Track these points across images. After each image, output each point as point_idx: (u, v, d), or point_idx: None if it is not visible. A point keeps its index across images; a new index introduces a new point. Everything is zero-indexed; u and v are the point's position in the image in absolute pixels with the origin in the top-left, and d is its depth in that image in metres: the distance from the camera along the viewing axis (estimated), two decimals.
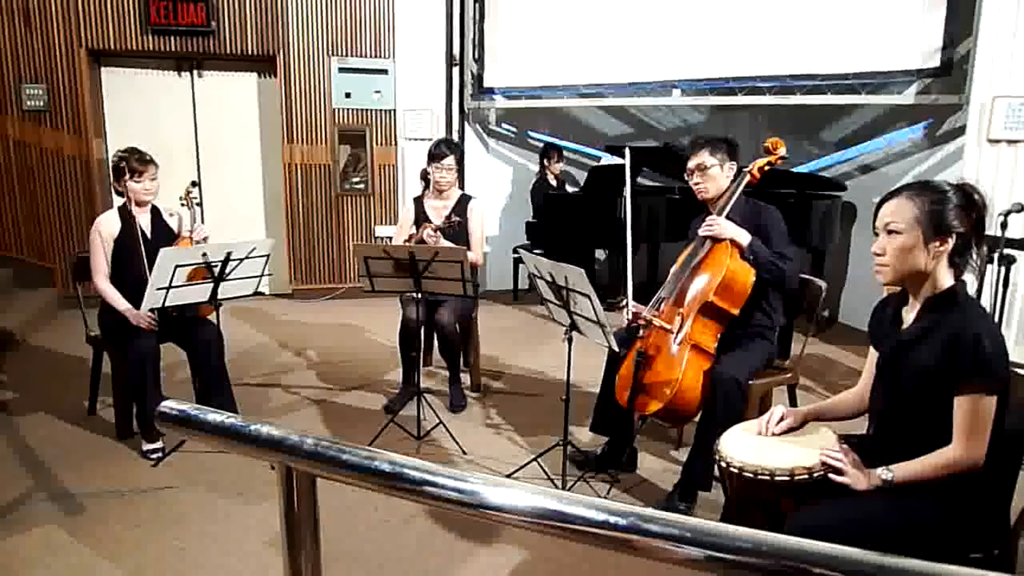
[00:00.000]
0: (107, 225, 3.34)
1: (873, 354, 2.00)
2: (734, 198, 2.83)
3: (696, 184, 2.90)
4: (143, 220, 3.40)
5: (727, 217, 2.80)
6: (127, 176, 3.29)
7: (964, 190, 1.73)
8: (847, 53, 4.82)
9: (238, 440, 1.13)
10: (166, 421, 1.18)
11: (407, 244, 3.69)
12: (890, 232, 1.74)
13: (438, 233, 3.67)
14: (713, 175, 2.85)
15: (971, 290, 1.82)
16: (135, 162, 3.30)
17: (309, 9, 6.02)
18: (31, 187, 5.90)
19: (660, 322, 2.76)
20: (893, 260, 1.75)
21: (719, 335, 2.77)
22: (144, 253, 3.27)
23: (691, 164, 2.89)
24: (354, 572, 2.43)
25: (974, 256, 1.75)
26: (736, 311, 2.74)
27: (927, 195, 1.71)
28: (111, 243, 3.33)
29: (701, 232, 2.82)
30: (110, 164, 3.43)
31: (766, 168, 2.88)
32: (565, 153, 6.73)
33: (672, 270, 2.94)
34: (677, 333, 2.72)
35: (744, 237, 2.75)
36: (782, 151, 2.90)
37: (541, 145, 6.74)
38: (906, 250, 1.72)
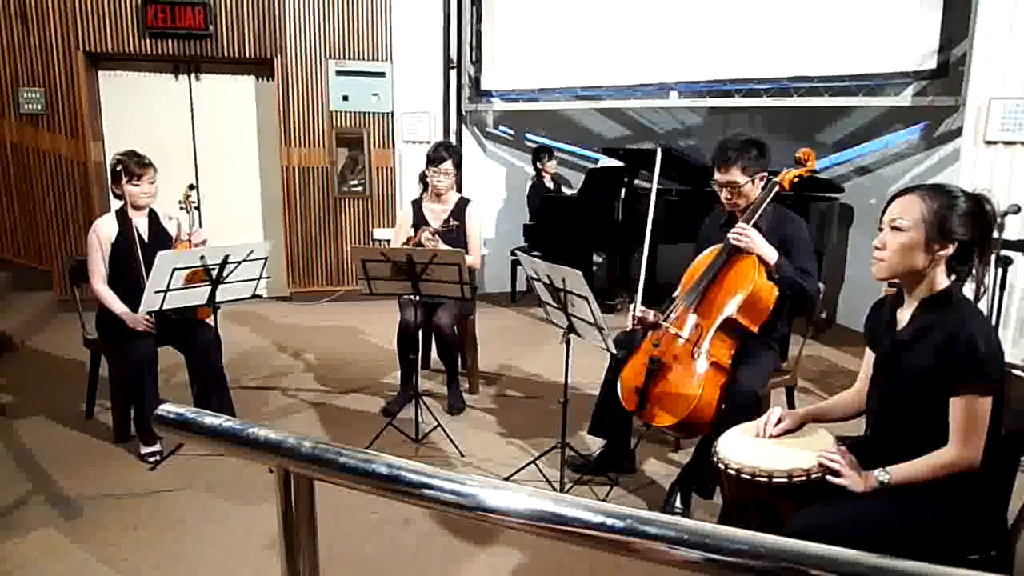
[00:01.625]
0: (104, 229, 3.33)
1: (869, 355, 2.00)
2: (763, 208, 2.75)
3: (727, 199, 2.83)
4: (140, 224, 3.39)
5: (753, 225, 2.72)
6: (125, 179, 3.29)
7: (977, 199, 1.72)
8: (844, 55, 4.83)
9: (236, 443, 1.13)
10: (164, 424, 1.18)
11: (405, 247, 3.69)
12: (894, 228, 1.74)
13: (436, 236, 3.67)
14: (745, 191, 2.79)
15: (970, 296, 1.82)
16: (133, 165, 3.29)
17: (306, 12, 6.03)
18: (28, 190, 5.89)
19: (675, 330, 2.70)
20: (891, 256, 1.75)
21: (734, 350, 2.72)
22: (141, 257, 3.26)
23: (721, 179, 2.80)
24: (352, 574, 2.42)
25: (975, 266, 1.74)
26: (756, 328, 2.69)
27: (938, 198, 1.71)
28: (108, 247, 3.32)
29: (731, 241, 2.71)
30: (108, 167, 3.42)
31: (796, 180, 2.82)
32: (562, 155, 6.74)
33: (690, 274, 2.86)
34: (696, 347, 2.65)
35: (772, 255, 2.67)
36: (813, 163, 2.85)
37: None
38: (907, 248, 1.73)
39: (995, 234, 1.76)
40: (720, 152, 2.81)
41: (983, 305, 3.04)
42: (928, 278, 1.75)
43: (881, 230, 1.79)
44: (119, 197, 3.38)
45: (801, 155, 2.86)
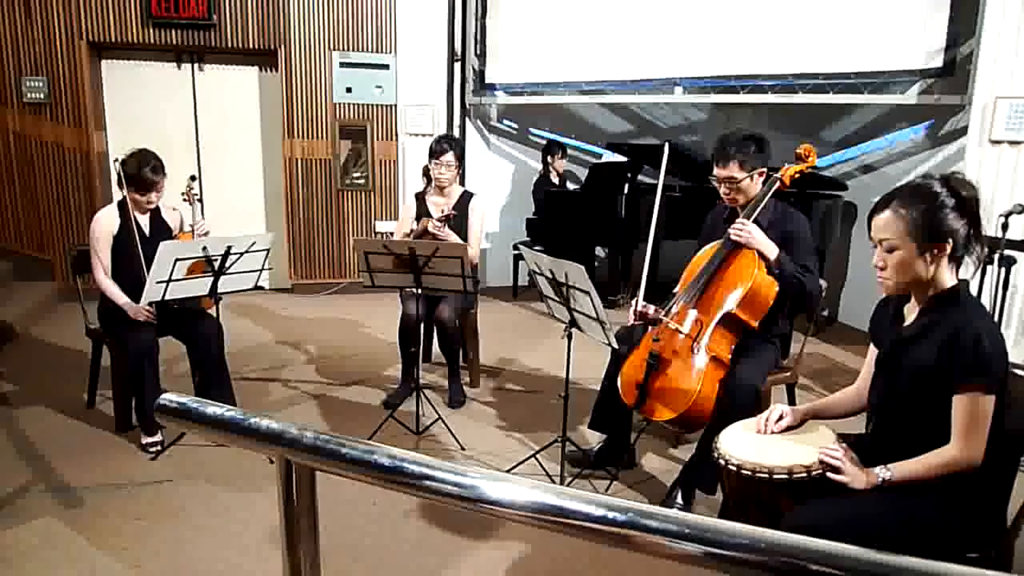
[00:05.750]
0: (106, 221, 3.32)
1: (873, 351, 2.00)
2: (763, 203, 2.75)
3: (726, 194, 2.84)
4: (142, 217, 3.38)
5: (754, 221, 2.72)
6: (135, 189, 3.24)
7: (952, 187, 1.71)
8: (850, 52, 4.81)
9: (238, 433, 1.13)
10: (165, 414, 1.18)
11: (407, 239, 3.69)
12: (887, 249, 1.75)
13: (445, 227, 3.65)
14: (744, 187, 2.79)
15: (972, 289, 1.82)
16: (148, 172, 3.22)
17: (310, 3, 6.00)
18: (31, 180, 5.89)
19: (675, 325, 2.71)
20: (894, 274, 1.76)
21: (734, 345, 2.72)
22: (142, 249, 3.25)
23: (720, 174, 2.80)
24: (352, 566, 2.43)
25: (974, 249, 1.74)
26: (756, 323, 2.69)
27: (916, 204, 1.70)
28: (110, 239, 3.32)
29: (732, 236, 2.71)
30: (120, 167, 3.28)
31: (796, 176, 2.82)
32: (567, 150, 6.71)
33: (691, 270, 2.86)
34: (696, 342, 2.65)
35: (772, 251, 2.67)
36: (813, 159, 2.85)
37: (543, 142, 6.73)
38: (905, 263, 1.73)
39: (987, 225, 1.75)
40: (719, 148, 2.81)
41: (985, 302, 3.04)
42: (934, 280, 1.75)
43: (874, 246, 1.79)
44: (122, 187, 3.36)
45: (802, 151, 2.86)
